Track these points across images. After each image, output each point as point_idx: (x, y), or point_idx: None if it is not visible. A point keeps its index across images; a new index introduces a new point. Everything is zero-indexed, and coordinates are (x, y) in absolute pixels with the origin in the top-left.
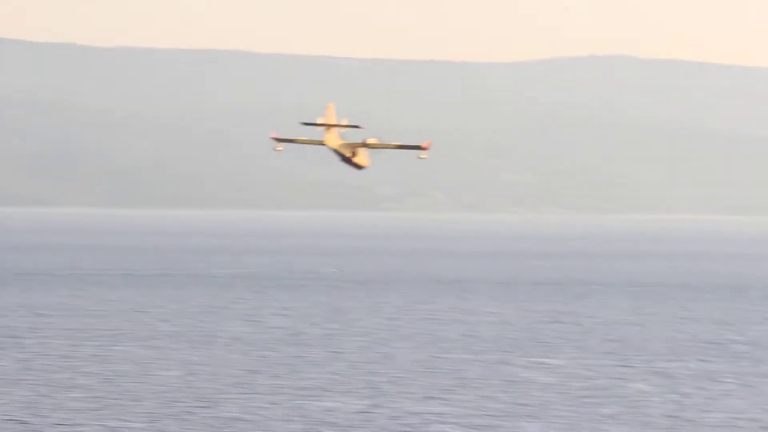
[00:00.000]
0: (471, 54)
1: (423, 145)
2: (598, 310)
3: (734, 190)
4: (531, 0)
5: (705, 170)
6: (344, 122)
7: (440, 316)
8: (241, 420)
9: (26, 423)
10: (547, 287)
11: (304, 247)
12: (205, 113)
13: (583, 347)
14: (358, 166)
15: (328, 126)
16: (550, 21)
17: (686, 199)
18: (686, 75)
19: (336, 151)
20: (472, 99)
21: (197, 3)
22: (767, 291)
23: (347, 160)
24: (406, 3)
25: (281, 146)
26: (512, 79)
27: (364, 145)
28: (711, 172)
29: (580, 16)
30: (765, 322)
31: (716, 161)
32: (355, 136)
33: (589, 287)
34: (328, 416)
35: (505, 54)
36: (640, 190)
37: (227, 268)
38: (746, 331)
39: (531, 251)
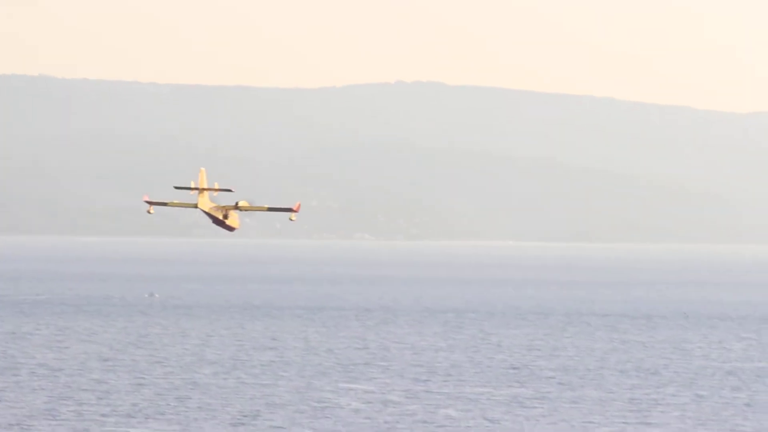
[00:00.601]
0: (280, 80)
1: (294, 207)
2: (405, 336)
3: (548, 217)
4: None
5: (517, 197)
6: (216, 186)
7: (247, 342)
8: None
9: None
10: (354, 312)
11: (111, 273)
12: (19, 140)
13: (391, 372)
14: (230, 228)
15: (201, 190)
16: (356, 46)
17: (498, 226)
18: (498, 102)
19: (208, 214)
20: (280, 123)
21: None
22: (569, 316)
23: (219, 222)
24: (209, 28)
25: (153, 209)
26: (319, 104)
27: (236, 207)
28: (524, 199)
29: (387, 42)
30: (569, 347)
31: (529, 189)
32: (227, 199)
33: (394, 313)
34: None
35: (314, 80)
36: (450, 216)
37: (33, 294)
38: (553, 356)
39: (337, 276)
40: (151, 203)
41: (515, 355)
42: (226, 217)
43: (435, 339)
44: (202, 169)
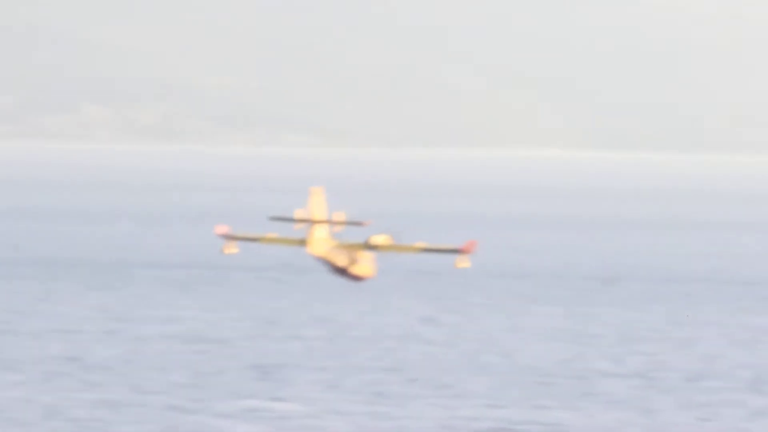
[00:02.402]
0: None
1: (463, 248)
2: None
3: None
4: None
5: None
6: (339, 217)
7: None
8: None
9: None
10: None
11: None
12: None
13: None
14: (358, 278)
15: (314, 222)
16: None
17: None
18: None
19: (325, 260)
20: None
21: None
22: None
23: (341, 272)
24: None
25: (233, 247)
26: None
27: (368, 247)
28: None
29: None
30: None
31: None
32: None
33: None
34: None
35: None
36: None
37: None
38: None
39: None
40: (230, 238)
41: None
42: (353, 262)
43: None
44: (316, 188)
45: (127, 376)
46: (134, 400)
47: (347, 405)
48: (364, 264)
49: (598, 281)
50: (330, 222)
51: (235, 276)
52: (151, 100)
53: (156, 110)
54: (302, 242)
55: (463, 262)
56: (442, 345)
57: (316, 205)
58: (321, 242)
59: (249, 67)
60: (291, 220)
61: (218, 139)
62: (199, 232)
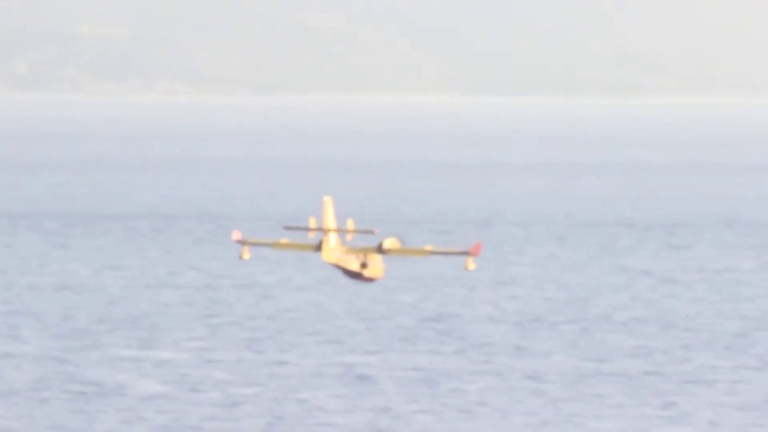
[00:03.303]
0: None
1: (471, 250)
2: None
3: None
4: None
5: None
6: (351, 226)
7: None
8: None
9: None
10: None
11: None
12: None
13: None
14: (370, 280)
15: (326, 231)
16: None
17: None
18: None
19: (339, 267)
20: None
21: None
22: None
23: (355, 275)
24: None
25: (249, 252)
26: None
27: (380, 250)
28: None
29: None
30: None
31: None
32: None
33: None
34: None
35: None
36: None
37: None
38: None
39: None
40: (246, 243)
41: None
42: (364, 266)
43: None
44: (328, 198)
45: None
46: (9, 350)
47: (223, 353)
48: (375, 266)
49: (471, 224)
50: (341, 230)
51: (106, 226)
52: (22, 49)
53: (27, 60)
54: (315, 248)
55: (471, 265)
56: (316, 292)
57: (328, 214)
58: (333, 249)
59: (121, 17)
60: (305, 229)
61: (89, 88)
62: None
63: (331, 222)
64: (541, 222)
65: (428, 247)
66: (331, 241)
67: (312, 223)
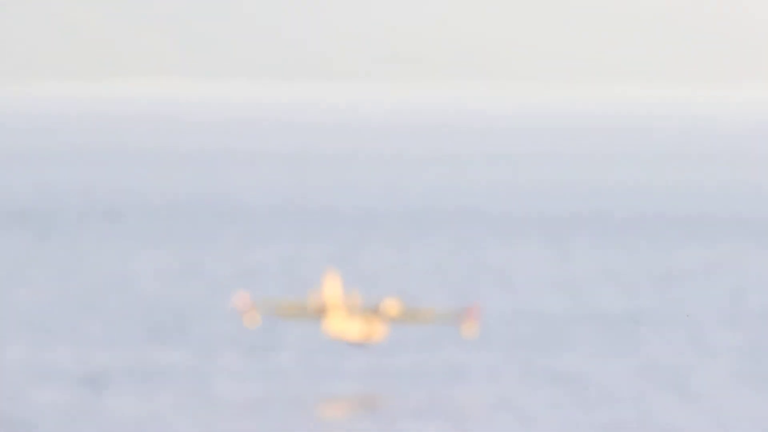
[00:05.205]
0: None
1: (467, 313)
2: None
3: None
4: None
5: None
6: (356, 298)
7: None
8: None
9: None
10: None
11: None
12: None
13: None
14: (371, 344)
15: (327, 308)
16: None
17: None
18: None
19: (340, 338)
20: None
21: None
22: None
23: (358, 345)
24: None
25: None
26: None
27: (382, 317)
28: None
29: None
30: None
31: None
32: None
33: None
34: None
35: None
36: None
37: None
38: None
39: None
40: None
41: None
42: (368, 337)
43: None
44: (331, 271)
45: None
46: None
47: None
48: (378, 333)
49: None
50: (345, 306)
51: None
52: None
53: None
54: (318, 313)
55: (470, 330)
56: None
57: (331, 289)
58: (335, 323)
59: None
60: (304, 309)
61: None
62: None
63: (334, 298)
64: None
65: (432, 311)
66: (334, 315)
67: (312, 299)
